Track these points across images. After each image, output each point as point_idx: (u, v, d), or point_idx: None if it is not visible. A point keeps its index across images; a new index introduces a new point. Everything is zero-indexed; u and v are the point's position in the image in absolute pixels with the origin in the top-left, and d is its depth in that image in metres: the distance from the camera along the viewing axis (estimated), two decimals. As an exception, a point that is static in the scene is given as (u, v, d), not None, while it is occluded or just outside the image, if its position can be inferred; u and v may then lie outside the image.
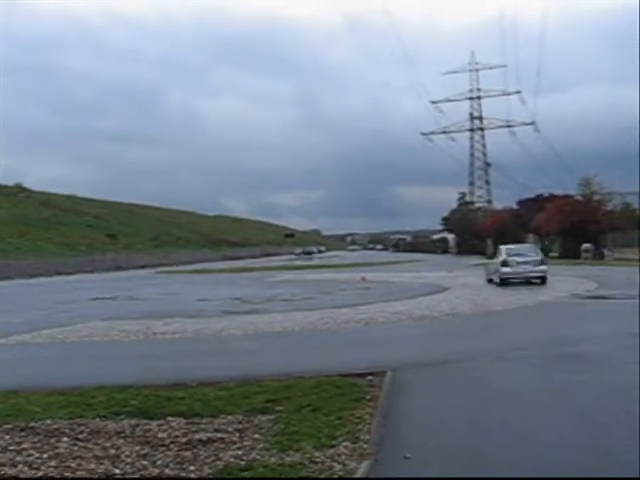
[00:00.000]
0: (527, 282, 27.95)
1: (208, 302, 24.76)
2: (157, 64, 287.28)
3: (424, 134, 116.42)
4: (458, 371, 10.45)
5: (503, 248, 30.91)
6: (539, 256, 29.72)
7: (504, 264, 28.81)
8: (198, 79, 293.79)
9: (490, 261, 34.06)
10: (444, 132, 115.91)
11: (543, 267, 28.68)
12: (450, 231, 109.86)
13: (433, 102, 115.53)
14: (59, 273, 57.79)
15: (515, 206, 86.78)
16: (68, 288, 38.80)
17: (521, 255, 29.43)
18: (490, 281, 30.10)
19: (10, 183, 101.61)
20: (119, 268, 69.30)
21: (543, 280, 28.31)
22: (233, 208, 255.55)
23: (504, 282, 28.15)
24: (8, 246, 68.61)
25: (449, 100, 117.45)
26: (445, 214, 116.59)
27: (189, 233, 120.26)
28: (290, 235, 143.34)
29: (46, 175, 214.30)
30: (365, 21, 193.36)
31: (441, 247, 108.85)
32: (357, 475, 5.74)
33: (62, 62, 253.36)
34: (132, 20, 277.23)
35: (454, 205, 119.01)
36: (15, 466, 6.29)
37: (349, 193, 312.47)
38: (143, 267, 71.44)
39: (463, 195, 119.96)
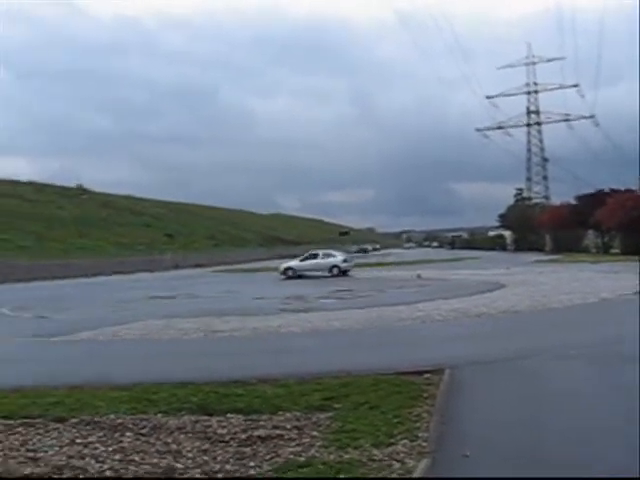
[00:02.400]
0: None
1: (265, 300, 24.98)
2: (210, 65, 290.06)
3: (479, 130, 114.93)
4: (516, 369, 10.30)
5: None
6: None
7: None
8: (251, 79, 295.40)
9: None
10: (500, 127, 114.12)
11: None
12: (507, 228, 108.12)
13: (488, 97, 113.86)
14: (118, 272, 59.02)
15: (574, 201, 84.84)
16: (127, 287, 39.63)
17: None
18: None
19: (71, 185, 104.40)
20: (177, 267, 70.35)
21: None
22: (288, 206, 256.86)
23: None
24: (70, 246, 70.45)
25: (505, 95, 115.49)
26: (502, 211, 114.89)
27: (245, 232, 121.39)
28: (345, 233, 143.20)
29: (105, 177, 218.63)
30: (416, 16, 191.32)
31: (498, 244, 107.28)
32: (415, 474, 5.72)
33: (118, 66, 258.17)
34: (185, 22, 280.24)
35: (511, 201, 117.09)
36: (82, 458, 6.48)
37: (403, 190, 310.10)
38: (200, 266, 72.35)
39: (520, 191, 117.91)
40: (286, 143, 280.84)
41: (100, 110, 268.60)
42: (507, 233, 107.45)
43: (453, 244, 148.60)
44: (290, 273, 41.55)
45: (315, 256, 43.13)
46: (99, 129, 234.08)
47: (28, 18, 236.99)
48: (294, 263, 42.88)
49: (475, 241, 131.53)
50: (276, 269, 42.49)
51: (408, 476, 5.64)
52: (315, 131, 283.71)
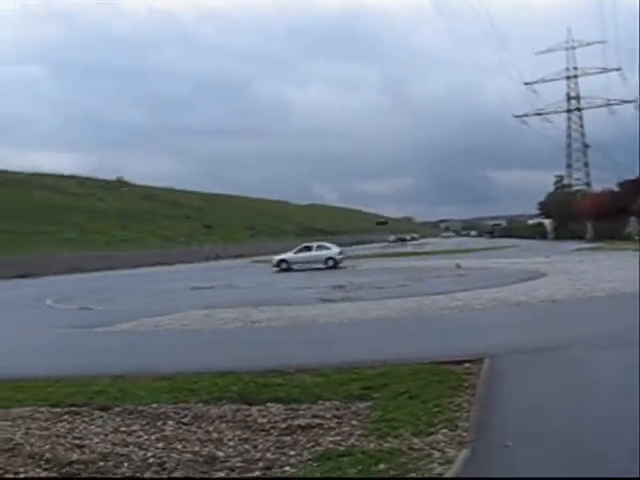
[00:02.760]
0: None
1: (302, 290, 25.07)
2: (245, 57, 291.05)
3: (517, 116, 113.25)
4: (556, 358, 10.15)
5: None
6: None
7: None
8: (286, 69, 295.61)
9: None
10: (539, 114, 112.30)
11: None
12: (547, 216, 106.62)
13: (527, 84, 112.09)
14: (159, 264, 59.81)
15: (615, 188, 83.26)
16: (168, 278, 40.16)
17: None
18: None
19: (112, 178, 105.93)
20: (216, 258, 71.02)
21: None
22: (325, 196, 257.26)
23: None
24: (112, 238, 71.65)
25: (544, 80, 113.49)
26: (541, 198, 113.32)
27: (283, 222, 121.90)
28: (382, 223, 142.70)
29: (144, 169, 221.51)
30: (452, 1, 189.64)
31: (538, 232, 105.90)
32: (456, 464, 5.71)
33: (153, 60, 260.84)
34: (219, 14, 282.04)
35: (551, 189, 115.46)
36: (126, 446, 6.61)
37: (440, 179, 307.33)
38: (239, 257, 72.94)
39: (560, 178, 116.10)
40: (322, 133, 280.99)
41: (137, 104, 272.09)
42: (547, 221, 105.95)
43: (492, 233, 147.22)
44: (284, 265, 41.56)
45: (309, 248, 42.97)
46: (137, 123, 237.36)
47: (62, 15, 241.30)
48: (288, 255, 42.66)
49: (514, 229, 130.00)
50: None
51: (436, 475, 5.60)
52: (350, 120, 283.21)
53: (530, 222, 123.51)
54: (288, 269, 40.92)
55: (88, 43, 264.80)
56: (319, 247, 43.47)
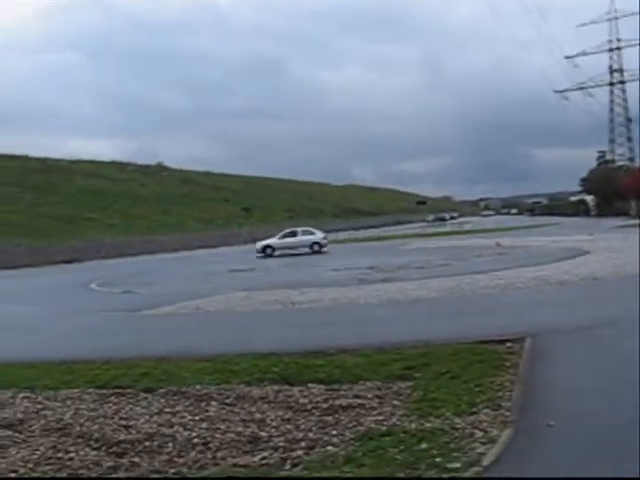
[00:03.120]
0: None
1: (342, 271, 25.09)
2: (281, 38, 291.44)
3: (558, 91, 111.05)
4: (599, 337, 10.01)
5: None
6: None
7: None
8: (321, 50, 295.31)
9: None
10: (580, 88, 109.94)
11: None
12: (589, 192, 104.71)
13: (568, 57, 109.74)
14: (199, 247, 60.39)
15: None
16: (208, 261, 40.58)
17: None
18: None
19: (152, 163, 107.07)
20: (255, 240, 71.34)
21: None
22: (363, 177, 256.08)
23: None
24: (153, 223, 72.53)
25: (585, 53, 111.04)
26: (583, 175, 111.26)
27: (321, 204, 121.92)
28: (422, 202, 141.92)
29: (183, 153, 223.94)
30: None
31: (580, 209, 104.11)
32: (499, 443, 5.70)
33: (189, 44, 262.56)
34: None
35: (593, 165, 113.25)
36: (171, 427, 6.74)
37: (479, 157, 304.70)
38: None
39: (603, 154, 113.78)
40: (358, 113, 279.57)
41: (174, 88, 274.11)
42: (589, 198, 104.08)
43: (533, 211, 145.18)
44: (269, 251, 41.29)
45: (294, 234, 42.79)
46: (174, 107, 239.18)
47: (95, 1, 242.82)
48: (273, 241, 42.44)
49: (556, 207, 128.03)
50: (355, 240, 42.47)
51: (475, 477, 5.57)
52: (387, 100, 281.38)
53: (572, 199, 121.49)
54: (271, 255, 40.58)
55: (124, 28, 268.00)
56: (304, 232, 43.29)
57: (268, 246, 41.90)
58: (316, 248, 41.55)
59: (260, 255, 40.85)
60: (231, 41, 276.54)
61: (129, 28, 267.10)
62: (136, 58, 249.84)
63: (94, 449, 6.25)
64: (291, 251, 41.25)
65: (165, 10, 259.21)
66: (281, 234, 43.13)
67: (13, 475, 5.73)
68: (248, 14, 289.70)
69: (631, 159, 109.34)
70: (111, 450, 6.19)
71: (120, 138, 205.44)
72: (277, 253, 40.97)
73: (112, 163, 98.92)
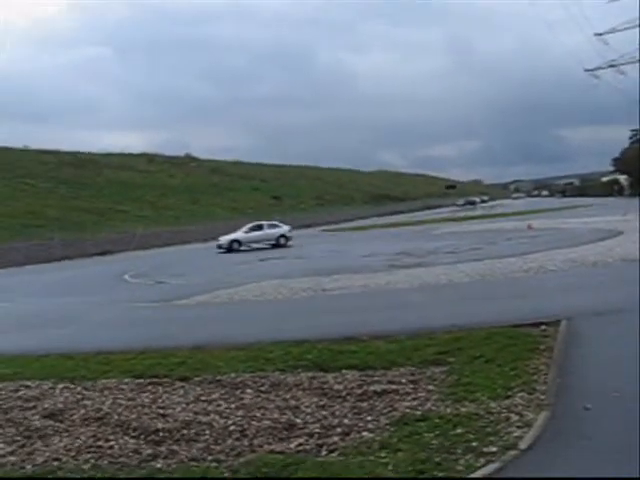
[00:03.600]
0: None
1: (373, 257, 25.06)
2: (305, 24, 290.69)
3: (588, 70, 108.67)
4: (634, 320, 9.84)
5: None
6: None
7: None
8: (347, 35, 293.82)
9: None
10: (611, 66, 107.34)
11: None
12: (622, 172, 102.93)
13: (598, 34, 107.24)
14: (230, 236, 60.62)
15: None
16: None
17: None
18: None
19: (181, 154, 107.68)
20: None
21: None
22: (392, 162, 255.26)
23: None
24: (183, 213, 73.03)
25: (616, 30, 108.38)
26: (616, 154, 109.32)
27: (350, 190, 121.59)
28: (451, 187, 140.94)
29: (212, 143, 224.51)
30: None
31: (613, 189, 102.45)
32: (535, 426, 5.67)
33: (214, 33, 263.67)
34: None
35: (626, 144, 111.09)
36: (208, 415, 6.82)
37: (508, 139, 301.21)
38: (308, 226, 73.22)
39: (636, 132, 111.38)
40: (386, 98, 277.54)
41: (201, 78, 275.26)
42: (622, 178, 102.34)
43: (564, 192, 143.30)
44: (235, 246, 39.38)
45: (260, 227, 41.25)
46: (202, 97, 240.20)
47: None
48: (239, 235, 40.60)
49: (588, 188, 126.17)
50: (384, 226, 41.87)
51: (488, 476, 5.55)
52: (414, 84, 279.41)
53: (604, 180, 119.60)
54: (238, 250, 38.53)
55: (150, 20, 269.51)
56: (270, 226, 41.80)
57: (235, 240, 39.93)
58: (282, 241, 40.00)
59: (223, 251, 38.94)
60: (256, 29, 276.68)
61: (155, 20, 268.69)
62: (163, 50, 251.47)
63: (133, 437, 6.35)
64: (257, 245, 39.73)
65: (189, 1, 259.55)
66: (246, 228, 41.18)
67: (56, 464, 5.86)
68: (271, 1, 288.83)
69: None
70: (149, 438, 6.29)
71: (149, 130, 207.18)
72: (243, 248, 39.03)
73: (142, 155, 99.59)
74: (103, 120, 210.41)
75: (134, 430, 6.53)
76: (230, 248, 39.18)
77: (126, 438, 6.34)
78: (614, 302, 11.27)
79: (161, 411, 7.09)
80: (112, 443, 6.21)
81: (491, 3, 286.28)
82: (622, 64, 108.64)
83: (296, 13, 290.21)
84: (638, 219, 22.59)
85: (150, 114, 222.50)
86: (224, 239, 40.40)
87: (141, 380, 8.51)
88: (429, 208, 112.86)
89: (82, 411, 7.29)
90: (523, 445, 5.32)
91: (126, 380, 8.58)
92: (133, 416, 6.97)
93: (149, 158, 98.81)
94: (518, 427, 5.71)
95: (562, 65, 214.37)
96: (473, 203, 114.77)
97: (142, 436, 6.37)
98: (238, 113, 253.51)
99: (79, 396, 7.97)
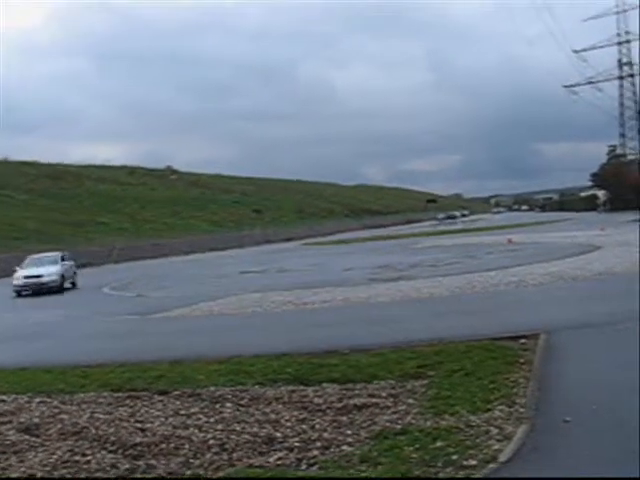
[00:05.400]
0: None
1: (354, 271, 25.08)
2: (288, 39, 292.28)
3: (567, 86, 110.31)
4: (613, 333, 9.93)
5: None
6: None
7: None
8: (329, 49, 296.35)
9: None
10: (589, 83, 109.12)
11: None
12: (601, 187, 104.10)
13: (576, 51, 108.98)
14: (211, 249, 60.52)
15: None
16: (220, 263, 40.65)
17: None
18: None
19: (162, 166, 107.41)
20: (266, 242, 71.51)
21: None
22: (372, 177, 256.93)
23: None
24: (163, 226, 72.76)
25: (594, 47, 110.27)
26: (594, 170, 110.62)
27: (331, 204, 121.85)
28: (432, 201, 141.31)
29: (193, 156, 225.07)
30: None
31: (592, 204, 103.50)
32: (515, 440, 5.67)
33: (197, 46, 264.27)
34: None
35: (604, 159, 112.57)
36: (187, 429, 6.75)
37: (489, 154, 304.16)
38: (289, 240, 73.31)
39: (613, 148, 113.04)
40: (367, 113, 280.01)
41: (183, 91, 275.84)
42: (601, 193, 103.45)
43: (544, 207, 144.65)
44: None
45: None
46: (183, 110, 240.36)
47: (103, 6, 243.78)
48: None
49: (567, 202, 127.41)
50: (365, 239, 41.34)
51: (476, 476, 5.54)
52: (395, 98, 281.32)
53: (583, 194, 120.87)
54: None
55: (131, 32, 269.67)
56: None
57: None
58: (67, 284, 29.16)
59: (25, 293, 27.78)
60: (238, 42, 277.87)
61: (136, 32, 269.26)
62: (144, 62, 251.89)
63: (110, 452, 6.27)
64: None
65: (171, 13, 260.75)
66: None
67: None
68: (254, 15, 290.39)
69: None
70: (127, 453, 6.21)
71: (129, 142, 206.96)
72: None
73: (122, 167, 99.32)
74: (83, 132, 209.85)
75: (112, 444, 6.45)
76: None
77: (103, 452, 6.25)
78: (593, 316, 11.35)
79: (139, 425, 7.01)
80: (89, 458, 6.12)
81: (471, 19, 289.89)
82: (600, 81, 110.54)
83: (279, 27, 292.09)
84: (638, 234, 22.76)
85: (131, 126, 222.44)
86: (21, 275, 28.05)
87: (119, 394, 8.42)
88: (410, 222, 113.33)
89: (59, 425, 7.19)
90: (503, 458, 5.31)
91: (104, 394, 8.48)
92: (111, 430, 6.88)
93: (130, 170, 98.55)
94: (498, 440, 5.71)
95: (541, 81, 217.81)
96: (454, 217, 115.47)
97: (120, 450, 6.28)
98: (220, 126, 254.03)
99: (56, 410, 7.87)
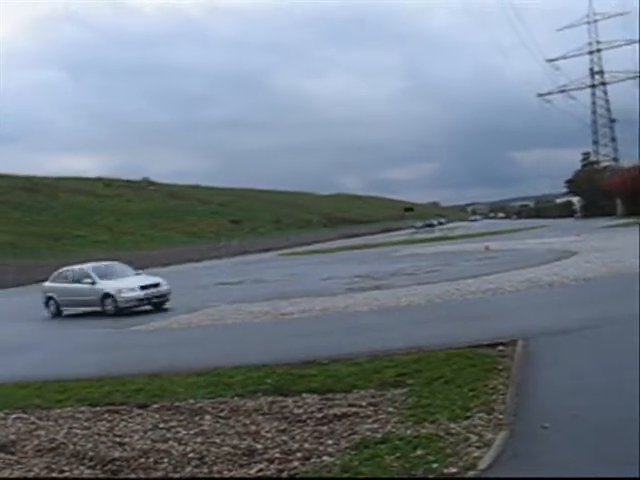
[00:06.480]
0: None
1: (332, 280, 25.06)
2: (261, 49, 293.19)
3: (541, 95, 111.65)
4: (590, 338, 10.04)
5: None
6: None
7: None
8: (303, 60, 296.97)
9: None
10: (562, 91, 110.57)
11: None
12: (575, 194, 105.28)
13: (549, 60, 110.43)
14: (189, 261, 60.23)
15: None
16: (198, 274, 40.43)
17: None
18: None
19: (138, 178, 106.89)
20: (244, 252, 71.30)
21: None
22: (350, 186, 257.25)
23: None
24: (140, 238, 72.31)
25: (566, 57, 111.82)
26: (569, 177, 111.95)
27: (309, 214, 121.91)
28: (409, 209, 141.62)
29: (169, 167, 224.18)
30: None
31: (567, 211, 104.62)
32: (494, 447, 5.70)
33: (170, 57, 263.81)
34: (232, 8, 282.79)
35: (578, 166, 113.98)
36: (166, 442, 6.70)
37: (465, 162, 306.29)
38: (267, 250, 73.14)
39: (587, 155, 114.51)
40: (343, 122, 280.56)
41: (158, 101, 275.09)
42: (576, 199, 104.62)
43: (520, 214, 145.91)
44: None
45: None
46: (159, 120, 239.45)
47: (74, 17, 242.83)
48: None
49: (542, 209, 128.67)
50: (343, 248, 41.18)
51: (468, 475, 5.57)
52: (371, 107, 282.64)
53: (558, 201, 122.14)
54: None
55: (104, 45, 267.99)
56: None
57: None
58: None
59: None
60: (211, 53, 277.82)
61: (109, 44, 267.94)
62: (118, 73, 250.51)
63: (89, 467, 6.20)
64: None
65: (145, 24, 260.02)
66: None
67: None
68: (224, 25, 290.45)
69: (615, 159, 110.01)
70: (106, 468, 6.15)
71: (105, 154, 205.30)
72: None
73: (98, 180, 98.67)
74: (58, 143, 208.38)
75: (90, 460, 6.38)
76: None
77: (82, 468, 6.19)
78: (570, 322, 11.45)
79: (118, 439, 6.95)
80: (67, 474, 6.06)
81: (445, 29, 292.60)
82: (572, 89, 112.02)
83: (252, 38, 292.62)
84: (638, 241, 23.00)
85: (106, 137, 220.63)
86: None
87: (98, 408, 8.34)
88: (387, 230, 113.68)
89: (35, 441, 7.10)
90: (483, 465, 5.34)
91: (82, 408, 8.40)
92: (89, 445, 6.81)
93: (106, 182, 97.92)
94: (477, 447, 5.73)
95: (516, 89, 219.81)
96: (431, 225, 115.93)
97: (98, 466, 6.22)
98: (195, 137, 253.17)
99: (32, 426, 7.77)
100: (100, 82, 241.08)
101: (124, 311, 20.52)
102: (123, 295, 20.91)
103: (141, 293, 21.13)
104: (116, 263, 25.62)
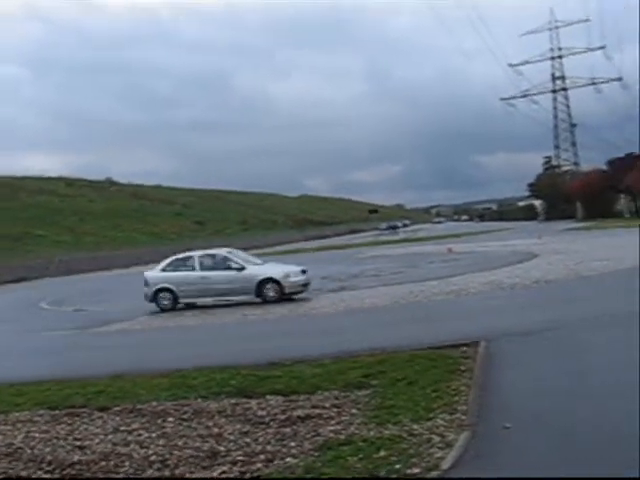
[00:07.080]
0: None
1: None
2: (227, 51, 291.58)
3: (504, 99, 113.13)
4: (551, 340, 10.17)
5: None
6: None
7: None
8: (268, 62, 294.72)
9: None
10: (525, 95, 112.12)
11: None
12: (537, 197, 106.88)
13: (512, 65, 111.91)
14: (152, 262, 59.62)
15: (604, 167, 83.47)
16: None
17: None
18: None
19: (101, 178, 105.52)
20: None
21: None
22: (315, 188, 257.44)
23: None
24: (103, 239, 71.35)
25: (529, 62, 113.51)
26: (531, 180, 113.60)
27: (275, 215, 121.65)
28: (374, 211, 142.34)
29: (133, 168, 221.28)
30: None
31: (529, 214, 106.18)
32: (456, 447, 5.74)
33: (136, 57, 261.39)
34: (198, 10, 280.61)
35: (540, 170, 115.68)
36: (127, 445, 6.61)
37: (429, 165, 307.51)
38: (232, 251, 72.74)
39: (549, 159, 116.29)
40: (307, 124, 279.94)
41: (122, 101, 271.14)
42: (537, 203, 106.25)
43: (483, 217, 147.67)
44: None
45: None
46: (122, 121, 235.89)
47: (39, 14, 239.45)
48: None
49: (505, 212, 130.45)
50: (308, 250, 40.96)
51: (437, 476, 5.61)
52: (336, 110, 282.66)
53: (520, 204, 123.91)
54: None
55: (68, 42, 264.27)
56: None
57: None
58: None
59: None
60: (177, 54, 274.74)
61: (73, 42, 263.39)
62: (81, 72, 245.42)
63: (47, 472, 6.08)
64: None
65: (109, 23, 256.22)
66: None
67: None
68: (191, 26, 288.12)
69: (576, 164, 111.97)
70: (65, 472, 6.04)
71: (68, 154, 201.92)
72: None
73: (60, 179, 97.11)
74: (18, 142, 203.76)
75: (49, 464, 6.26)
76: None
77: (39, 473, 6.06)
78: (531, 323, 11.58)
79: (78, 443, 6.83)
80: None
81: (408, 32, 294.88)
82: (535, 94, 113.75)
83: (216, 39, 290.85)
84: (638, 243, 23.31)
85: (69, 136, 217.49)
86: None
87: (57, 411, 8.19)
88: (352, 232, 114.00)
89: (-8, 446, 6.95)
90: (445, 465, 5.37)
91: (40, 412, 8.24)
92: (48, 450, 6.68)
93: (68, 182, 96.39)
94: (440, 448, 5.76)
95: (479, 93, 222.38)
96: (395, 227, 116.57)
97: (57, 470, 6.10)
98: (159, 137, 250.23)
99: (-11, 431, 7.60)
100: (64, 80, 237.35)
101: (287, 297, 18.99)
102: (291, 280, 19.48)
103: (303, 278, 19.95)
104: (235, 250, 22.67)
